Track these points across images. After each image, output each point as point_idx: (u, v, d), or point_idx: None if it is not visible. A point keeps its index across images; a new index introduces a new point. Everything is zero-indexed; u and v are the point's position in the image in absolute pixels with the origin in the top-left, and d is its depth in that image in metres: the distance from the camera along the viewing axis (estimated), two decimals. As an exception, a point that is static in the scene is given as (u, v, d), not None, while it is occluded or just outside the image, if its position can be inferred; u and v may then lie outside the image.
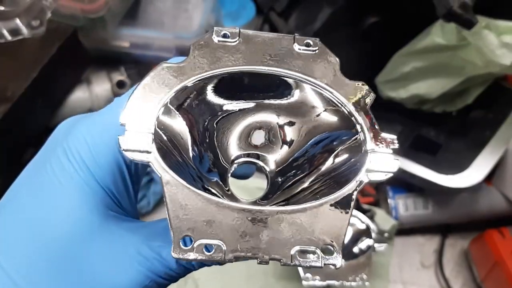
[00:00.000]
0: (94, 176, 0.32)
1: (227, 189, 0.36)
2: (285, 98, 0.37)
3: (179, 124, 0.33)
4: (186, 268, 0.32)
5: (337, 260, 0.29)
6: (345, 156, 0.34)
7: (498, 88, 0.86)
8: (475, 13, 0.66)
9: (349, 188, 0.30)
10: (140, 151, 0.28)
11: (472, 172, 0.77)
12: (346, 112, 0.34)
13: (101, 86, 0.88)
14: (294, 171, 0.36)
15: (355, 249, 0.77)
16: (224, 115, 0.37)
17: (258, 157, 0.38)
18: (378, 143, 0.32)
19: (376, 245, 0.76)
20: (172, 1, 0.97)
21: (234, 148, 0.37)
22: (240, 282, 0.81)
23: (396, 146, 0.32)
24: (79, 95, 0.87)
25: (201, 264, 0.32)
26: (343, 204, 0.30)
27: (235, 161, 0.37)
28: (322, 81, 0.34)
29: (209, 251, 0.28)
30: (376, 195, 0.89)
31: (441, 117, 0.86)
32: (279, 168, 0.37)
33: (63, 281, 0.30)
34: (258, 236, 0.29)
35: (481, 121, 0.84)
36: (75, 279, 0.30)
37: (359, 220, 0.77)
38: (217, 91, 0.35)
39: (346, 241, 0.76)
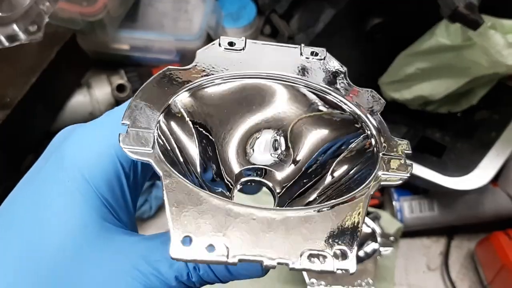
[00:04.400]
0: (90, 185, 0.31)
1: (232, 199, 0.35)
2: (293, 109, 0.36)
3: (182, 129, 0.33)
4: (186, 285, 0.31)
5: (351, 264, 0.27)
6: (356, 162, 0.34)
7: (503, 88, 0.85)
8: (480, 12, 0.65)
9: (361, 190, 0.29)
10: (140, 149, 0.28)
11: (478, 174, 0.76)
12: (357, 118, 0.33)
13: (101, 89, 0.87)
14: (304, 181, 0.35)
15: (361, 253, 0.76)
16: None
17: (265, 173, 0.37)
18: (389, 148, 0.31)
19: (381, 249, 0.75)
20: (172, 3, 0.96)
21: (235, 163, 0.37)
22: (244, 283, 0.81)
23: (410, 151, 0.32)
24: (79, 99, 0.86)
25: (202, 280, 0.30)
26: (356, 207, 0.29)
27: (240, 180, 0.36)
28: (331, 89, 0.34)
29: (211, 252, 0.26)
30: (381, 197, 0.88)
31: (446, 118, 0.85)
32: (287, 184, 0.36)
33: None
34: (265, 238, 0.27)
35: (486, 122, 0.83)
36: None
37: (364, 224, 0.76)
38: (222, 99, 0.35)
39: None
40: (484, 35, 0.67)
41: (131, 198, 0.34)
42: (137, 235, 0.32)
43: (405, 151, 0.32)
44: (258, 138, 0.37)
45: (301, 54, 0.35)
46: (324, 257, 0.27)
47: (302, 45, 0.35)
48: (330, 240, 0.27)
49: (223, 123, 0.36)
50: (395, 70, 0.82)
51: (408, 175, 0.31)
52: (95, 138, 0.32)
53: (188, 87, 0.33)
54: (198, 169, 0.33)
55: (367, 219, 0.76)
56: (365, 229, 0.76)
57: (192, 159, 0.33)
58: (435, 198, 0.84)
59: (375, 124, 0.33)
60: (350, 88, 0.34)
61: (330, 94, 0.34)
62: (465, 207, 0.84)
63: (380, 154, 0.31)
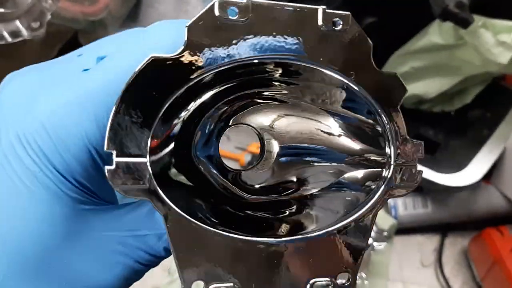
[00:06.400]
0: (60, 171, 0.27)
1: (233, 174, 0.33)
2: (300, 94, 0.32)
3: (178, 131, 0.29)
4: None
5: (352, 286, 0.28)
6: (367, 171, 0.31)
7: (497, 87, 0.86)
8: (472, 12, 0.66)
9: (366, 209, 0.28)
10: (135, 187, 0.24)
11: (470, 170, 0.78)
12: (378, 122, 0.29)
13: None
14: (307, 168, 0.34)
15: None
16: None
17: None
18: (403, 154, 0.28)
19: (375, 243, 0.77)
20: (173, 3, 0.98)
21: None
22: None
23: (422, 155, 0.29)
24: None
25: None
26: (360, 229, 0.28)
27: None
28: (347, 74, 0.28)
29: None
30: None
31: (439, 117, 0.87)
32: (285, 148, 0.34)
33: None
34: (274, 272, 0.27)
35: (479, 120, 0.85)
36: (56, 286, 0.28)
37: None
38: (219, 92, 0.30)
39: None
40: (475, 33, 0.68)
41: None
42: (120, 208, 0.30)
43: (418, 157, 0.29)
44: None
45: (318, 19, 0.27)
46: (329, 284, 0.28)
47: (323, 7, 0.27)
48: (334, 266, 0.28)
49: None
50: (389, 69, 0.84)
51: (416, 185, 0.29)
52: (59, 110, 0.27)
53: (181, 90, 0.26)
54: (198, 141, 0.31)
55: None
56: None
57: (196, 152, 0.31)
58: (428, 196, 0.86)
59: (394, 125, 0.29)
60: (371, 71, 0.28)
61: (347, 83, 0.28)
62: (458, 204, 0.86)
63: (392, 164, 0.28)
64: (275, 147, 0.33)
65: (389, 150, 0.28)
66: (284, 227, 0.31)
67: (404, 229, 0.87)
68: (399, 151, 0.28)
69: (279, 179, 0.33)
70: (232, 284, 0.26)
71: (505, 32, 0.69)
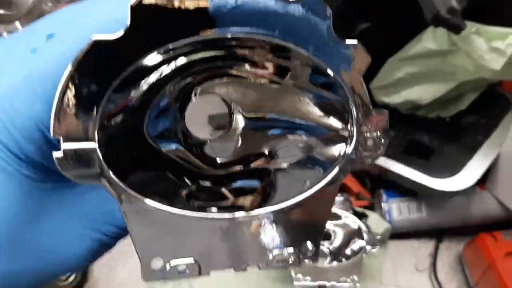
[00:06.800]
0: (13, 150, 0.26)
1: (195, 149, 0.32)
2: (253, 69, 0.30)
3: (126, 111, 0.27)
4: None
5: (315, 256, 0.28)
6: (331, 140, 0.30)
7: (492, 94, 0.87)
8: (465, 19, 0.67)
9: (330, 180, 0.28)
10: (86, 172, 0.24)
11: (464, 175, 0.78)
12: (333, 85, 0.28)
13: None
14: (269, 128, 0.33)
15: (347, 251, 0.77)
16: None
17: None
18: (367, 123, 0.28)
19: (368, 247, 0.77)
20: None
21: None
22: (235, 282, 0.83)
23: (386, 125, 0.28)
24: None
25: None
26: (323, 200, 0.28)
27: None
28: (305, 45, 0.26)
29: (182, 271, 0.26)
30: (370, 199, 0.90)
31: (434, 122, 0.87)
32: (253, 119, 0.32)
33: (13, 265, 0.28)
34: (236, 245, 0.27)
35: (474, 126, 0.85)
36: (24, 262, 0.28)
37: (351, 221, 0.77)
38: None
39: (338, 242, 0.77)
40: (467, 40, 0.69)
41: None
42: (83, 185, 0.30)
43: (382, 127, 0.28)
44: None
45: None
46: (292, 253, 0.28)
47: None
48: (297, 235, 0.28)
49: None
50: (384, 74, 0.85)
51: (380, 155, 0.29)
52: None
53: (129, 71, 0.24)
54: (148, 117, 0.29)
55: (353, 217, 0.78)
56: (352, 227, 0.77)
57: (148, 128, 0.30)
58: (423, 201, 0.86)
59: (356, 96, 0.27)
60: (331, 41, 0.26)
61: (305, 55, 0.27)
62: (453, 209, 0.86)
63: (355, 134, 0.28)
64: (241, 118, 0.32)
65: (352, 121, 0.28)
66: (248, 200, 0.31)
67: (398, 233, 0.88)
68: (362, 121, 0.28)
69: (245, 152, 0.32)
70: (192, 259, 0.26)
71: (498, 39, 0.70)
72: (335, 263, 0.75)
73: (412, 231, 0.89)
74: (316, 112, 0.31)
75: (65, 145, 0.23)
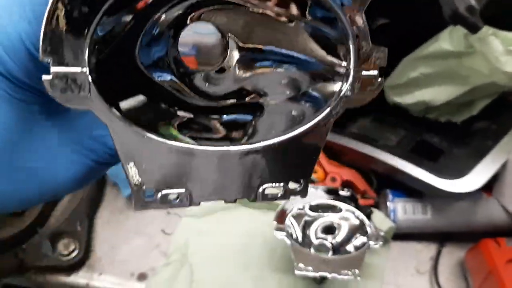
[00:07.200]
0: (6, 76, 0.26)
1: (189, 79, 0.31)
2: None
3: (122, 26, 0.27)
4: None
5: (303, 192, 0.29)
6: (327, 77, 0.30)
7: (505, 102, 0.87)
8: (485, 23, 0.68)
9: (323, 117, 0.28)
10: (76, 96, 0.24)
11: (472, 178, 0.78)
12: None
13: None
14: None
15: (349, 247, 0.77)
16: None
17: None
18: (366, 59, 0.27)
19: (371, 242, 0.77)
20: None
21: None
22: (236, 270, 0.83)
23: (384, 63, 0.28)
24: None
25: None
26: (314, 137, 0.28)
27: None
28: None
29: (173, 200, 0.27)
30: (376, 198, 0.90)
31: (445, 125, 0.88)
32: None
33: (2, 184, 0.29)
34: (225, 177, 0.27)
35: (484, 131, 0.85)
36: (13, 183, 0.29)
37: (354, 216, 0.77)
38: None
39: (341, 238, 0.77)
40: (484, 40, 0.70)
41: None
42: (73, 111, 0.29)
43: (380, 65, 0.28)
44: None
45: None
46: (281, 188, 0.29)
47: None
48: (287, 171, 0.28)
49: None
50: (399, 73, 0.85)
51: (376, 93, 0.28)
52: None
53: None
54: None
55: (357, 212, 0.77)
56: (354, 222, 0.77)
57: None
58: (429, 202, 0.86)
59: (355, 29, 0.27)
60: None
61: None
62: (458, 213, 0.86)
63: (352, 70, 0.27)
64: (236, 49, 0.31)
65: (350, 57, 0.27)
66: (239, 134, 0.31)
67: (402, 234, 0.87)
68: (361, 58, 0.27)
69: (239, 85, 0.32)
70: (183, 190, 0.26)
71: (515, 43, 0.70)
72: (337, 256, 0.75)
73: (416, 232, 0.88)
74: (315, 47, 0.30)
75: (55, 69, 0.23)
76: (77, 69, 0.23)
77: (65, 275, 0.82)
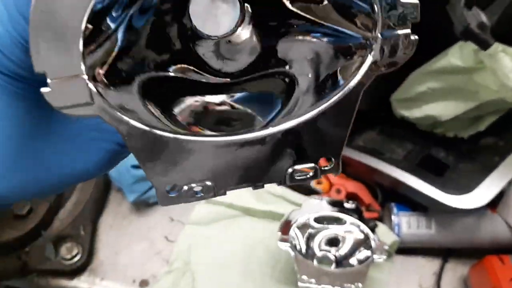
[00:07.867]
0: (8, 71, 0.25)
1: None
2: None
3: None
4: None
5: (336, 169, 0.27)
6: (353, 47, 0.27)
7: (512, 118, 0.87)
8: (496, 40, 0.67)
9: (351, 87, 0.26)
10: (79, 105, 0.22)
11: (477, 194, 0.78)
12: None
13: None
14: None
15: (353, 260, 0.77)
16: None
17: None
18: (393, 21, 0.25)
19: (375, 256, 0.76)
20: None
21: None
22: (238, 280, 0.82)
23: (417, 18, 0.26)
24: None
25: None
26: (343, 111, 0.26)
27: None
28: None
29: (198, 193, 0.26)
30: (381, 211, 0.90)
31: (452, 140, 0.88)
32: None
33: (25, 175, 0.28)
34: (250, 166, 0.26)
35: (491, 147, 0.85)
36: (40, 174, 0.29)
37: (358, 230, 0.77)
38: None
39: (344, 251, 0.77)
40: (494, 57, 0.70)
41: None
42: None
43: (413, 20, 0.26)
44: None
45: None
46: (311, 168, 0.27)
47: None
48: (316, 150, 0.27)
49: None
50: (407, 87, 0.85)
51: (410, 54, 0.27)
52: None
53: None
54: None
55: (362, 225, 0.77)
56: (359, 235, 0.77)
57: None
58: (433, 217, 0.86)
59: None
60: None
61: None
62: (462, 229, 0.85)
63: (379, 35, 0.25)
64: (252, 16, 0.28)
65: (377, 16, 0.25)
66: (260, 115, 0.29)
67: (405, 248, 0.87)
68: (388, 11, 0.25)
69: (258, 57, 0.29)
70: (207, 181, 0.26)
71: (525, 60, 0.70)
72: (340, 268, 0.74)
73: (419, 247, 0.88)
74: (341, 19, 0.28)
75: (51, 80, 0.22)
76: (75, 77, 0.22)
77: (67, 279, 0.82)
